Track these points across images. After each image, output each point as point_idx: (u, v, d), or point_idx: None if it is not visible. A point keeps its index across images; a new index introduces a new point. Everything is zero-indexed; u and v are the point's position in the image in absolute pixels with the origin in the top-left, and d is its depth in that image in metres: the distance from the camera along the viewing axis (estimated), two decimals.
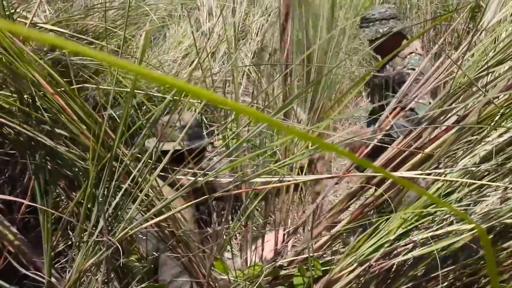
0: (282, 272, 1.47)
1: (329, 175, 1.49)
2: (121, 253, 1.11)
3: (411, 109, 2.04)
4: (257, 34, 4.36)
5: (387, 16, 2.91)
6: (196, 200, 1.24)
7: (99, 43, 2.26)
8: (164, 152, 1.23)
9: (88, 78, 1.95)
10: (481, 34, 1.55)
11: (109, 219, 1.14)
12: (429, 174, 1.29)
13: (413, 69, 2.50)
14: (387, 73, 2.87)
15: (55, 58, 1.75)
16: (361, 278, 1.35)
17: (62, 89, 1.10)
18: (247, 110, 0.24)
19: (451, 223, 1.32)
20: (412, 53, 2.81)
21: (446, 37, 4.36)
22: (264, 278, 1.39)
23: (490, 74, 1.32)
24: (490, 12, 1.52)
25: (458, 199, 1.33)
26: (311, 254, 1.38)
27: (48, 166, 1.22)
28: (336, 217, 1.43)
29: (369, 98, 3.31)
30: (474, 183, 1.30)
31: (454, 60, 1.33)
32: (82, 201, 1.17)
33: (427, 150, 1.34)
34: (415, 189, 0.31)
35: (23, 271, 1.27)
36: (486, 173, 1.36)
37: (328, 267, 1.42)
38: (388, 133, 1.45)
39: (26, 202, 1.40)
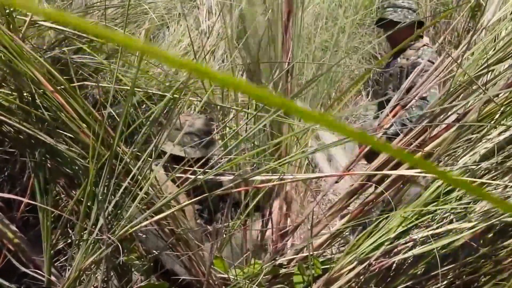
0: (282, 271, 1.47)
1: (330, 173, 1.49)
2: (121, 251, 1.10)
3: (423, 98, 2.08)
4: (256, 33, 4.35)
5: (413, 8, 3.10)
6: (196, 198, 1.23)
7: (99, 41, 2.25)
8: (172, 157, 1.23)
9: (88, 76, 1.94)
10: (481, 32, 1.54)
11: (109, 217, 1.14)
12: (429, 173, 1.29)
13: (428, 61, 2.59)
14: (398, 65, 2.99)
15: (54, 56, 1.75)
16: (361, 277, 1.35)
17: (62, 87, 1.09)
18: (261, 93, 0.24)
19: (451, 222, 1.32)
20: (425, 45, 2.94)
21: (446, 36, 4.36)
22: (264, 277, 1.39)
23: (490, 72, 1.32)
24: (490, 10, 1.52)
25: (458, 198, 1.33)
26: (311, 253, 1.37)
27: (48, 164, 1.22)
28: (336, 215, 1.43)
29: (382, 89, 3.37)
30: (474, 181, 1.29)
31: (454, 58, 1.33)
32: (82, 199, 1.17)
33: (427, 148, 1.33)
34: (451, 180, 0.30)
35: (23, 269, 1.27)
36: (486, 171, 1.36)
37: (328, 266, 1.42)
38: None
39: (25, 200, 1.40)
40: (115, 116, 1.64)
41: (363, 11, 5.10)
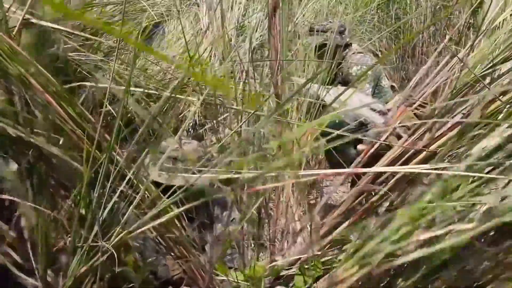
0: (284, 272, 1.45)
1: (334, 170, 1.46)
2: (116, 258, 1.08)
3: None
4: (256, 30, 4.32)
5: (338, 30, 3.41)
6: (191, 204, 1.20)
7: (97, 39, 2.23)
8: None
9: (87, 75, 1.92)
10: (485, 31, 1.52)
11: (105, 222, 1.11)
12: (436, 169, 1.26)
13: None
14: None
15: (52, 54, 1.72)
16: (363, 278, 1.33)
17: (55, 89, 1.06)
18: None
19: (452, 222, 1.29)
20: (353, 53, 3.37)
21: (447, 33, 4.34)
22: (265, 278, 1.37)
23: (495, 72, 1.29)
24: (491, 8, 1.49)
25: (461, 197, 1.30)
26: (313, 256, 1.35)
27: (42, 168, 1.19)
28: (340, 218, 1.41)
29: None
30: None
31: (460, 58, 1.30)
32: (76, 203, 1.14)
33: (431, 148, 1.31)
34: None
35: (17, 273, 1.24)
36: (491, 168, 1.33)
37: (329, 266, 1.40)
38: None
39: (22, 201, 1.37)
40: (114, 115, 1.61)
41: (363, 8, 5.08)
